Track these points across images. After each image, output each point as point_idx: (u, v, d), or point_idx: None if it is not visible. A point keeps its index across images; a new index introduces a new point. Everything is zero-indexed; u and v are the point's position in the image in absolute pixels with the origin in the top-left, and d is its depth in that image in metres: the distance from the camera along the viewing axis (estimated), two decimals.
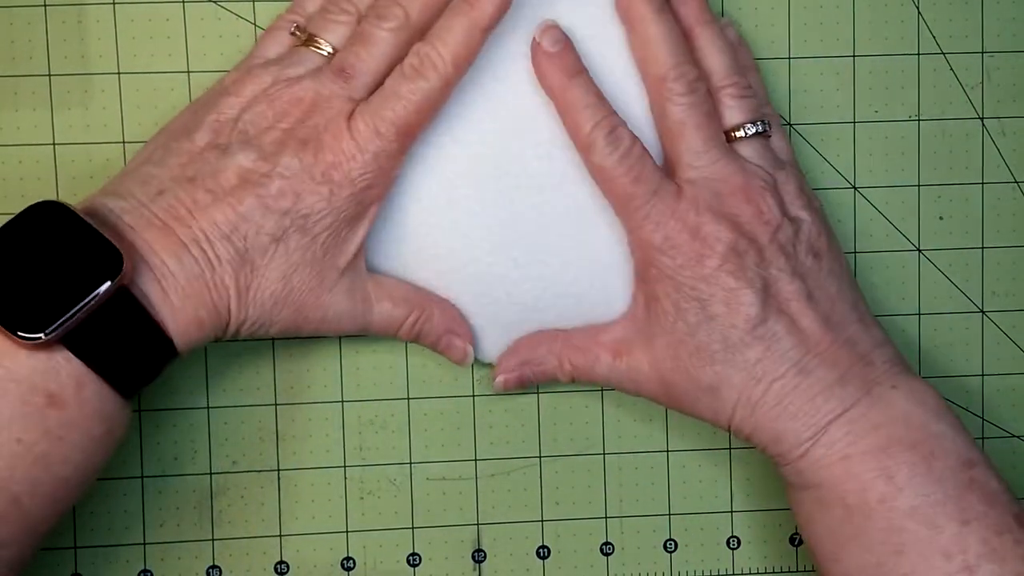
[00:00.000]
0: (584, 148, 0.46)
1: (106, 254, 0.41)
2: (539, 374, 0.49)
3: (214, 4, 0.49)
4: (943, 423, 0.44)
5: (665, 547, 0.52)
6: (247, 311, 0.44)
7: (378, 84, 0.45)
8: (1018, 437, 0.53)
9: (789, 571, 0.52)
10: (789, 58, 0.51)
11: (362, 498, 0.51)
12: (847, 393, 0.44)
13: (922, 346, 0.52)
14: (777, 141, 0.49)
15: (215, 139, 0.44)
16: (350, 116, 0.44)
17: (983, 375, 0.52)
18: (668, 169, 0.47)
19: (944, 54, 0.51)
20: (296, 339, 0.50)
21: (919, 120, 0.51)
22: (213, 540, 0.50)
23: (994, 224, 0.52)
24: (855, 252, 0.52)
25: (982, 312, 0.52)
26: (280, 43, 0.47)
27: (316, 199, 0.44)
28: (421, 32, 0.45)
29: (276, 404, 0.50)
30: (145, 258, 0.42)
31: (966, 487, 0.43)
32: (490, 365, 0.50)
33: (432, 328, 0.48)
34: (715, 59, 0.48)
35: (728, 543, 0.52)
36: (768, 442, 0.46)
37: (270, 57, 0.47)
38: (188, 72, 0.49)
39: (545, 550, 0.52)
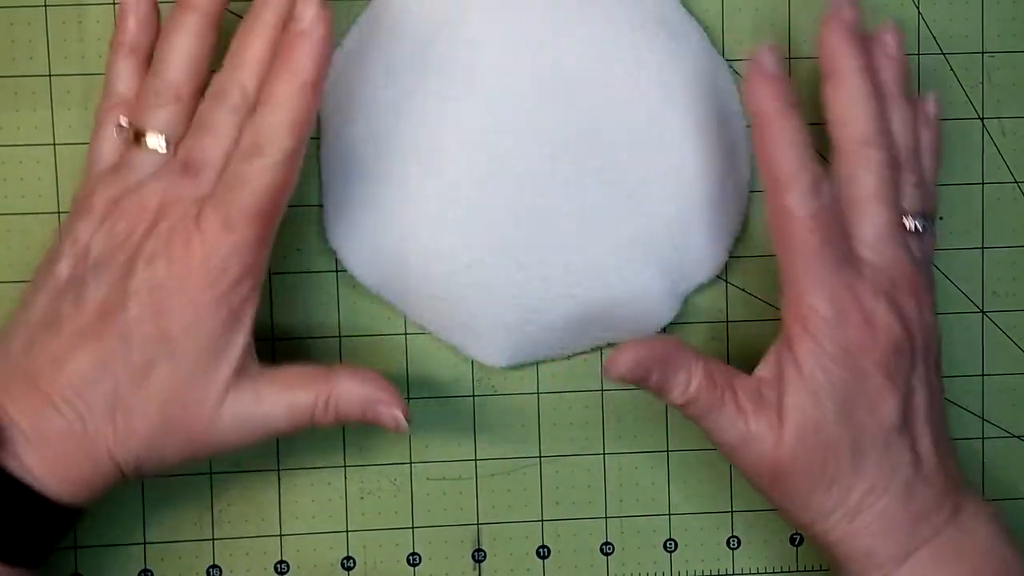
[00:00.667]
0: (781, 186, 0.43)
1: None
2: (662, 382, 0.44)
3: None
4: (1011, 548, 0.45)
5: (665, 547, 0.52)
6: (133, 454, 0.42)
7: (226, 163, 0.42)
8: (1018, 437, 0.53)
9: (789, 571, 0.52)
10: (789, 58, 0.51)
11: (362, 498, 0.51)
12: (939, 518, 0.44)
13: None
14: (928, 237, 0.47)
15: (74, 271, 0.42)
16: (198, 216, 0.41)
17: (983, 375, 0.52)
18: None
19: (944, 54, 0.51)
20: (297, 339, 0.50)
21: None
22: (213, 540, 0.50)
23: (994, 224, 0.52)
24: None
25: (982, 312, 0.52)
26: (110, 142, 0.44)
27: (179, 316, 0.41)
28: (256, 96, 0.42)
29: None
30: (15, 421, 0.40)
31: None
32: (493, 368, 0.50)
33: (350, 402, 0.43)
34: (903, 136, 0.46)
35: (728, 543, 0.52)
36: (855, 556, 0.44)
37: (109, 160, 0.44)
38: None
39: (545, 550, 0.52)
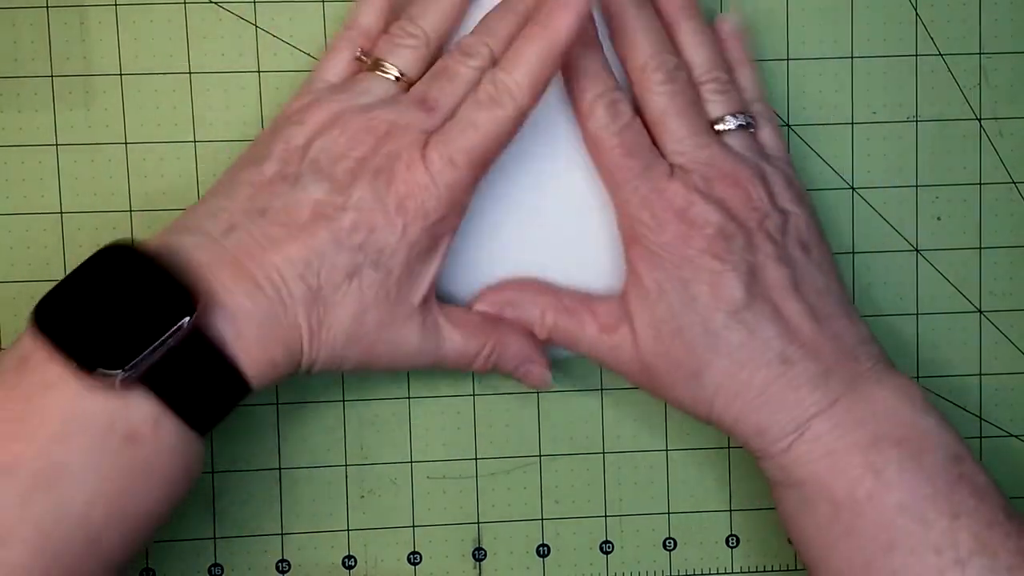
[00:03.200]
0: (584, 115, 0.46)
1: (179, 295, 0.40)
2: (517, 319, 0.47)
3: (215, 5, 0.49)
4: (930, 418, 0.44)
5: (664, 545, 0.52)
6: (319, 351, 0.43)
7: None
8: (1016, 437, 0.53)
9: (788, 570, 0.52)
10: (788, 59, 0.51)
11: (363, 497, 0.51)
12: (832, 387, 0.44)
13: (920, 346, 0.52)
14: (768, 136, 0.49)
15: (284, 168, 0.43)
16: (424, 146, 0.43)
17: (981, 375, 0.52)
18: None
19: (942, 55, 0.51)
20: None
21: (917, 121, 0.51)
22: (215, 539, 0.50)
23: (992, 225, 0.52)
24: (853, 252, 0.52)
25: (980, 312, 0.52)
26: (341, 66, 0.47)
27: (390, 232, 0.43)
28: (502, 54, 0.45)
29: (277, 403, 0.51)
30: (218, 297, 0.41)
31: (955, 482, 0.43)
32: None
33: (508, 358, 0.47)
34: (696, 52, 0.47)
35: (727, 542, 0.52)
36: (750, 434, 0.45)
37: (332, 81, 0.46)
38: (189, 73, 0.49)
39: (545, 548, 0.52)
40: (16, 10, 0.49)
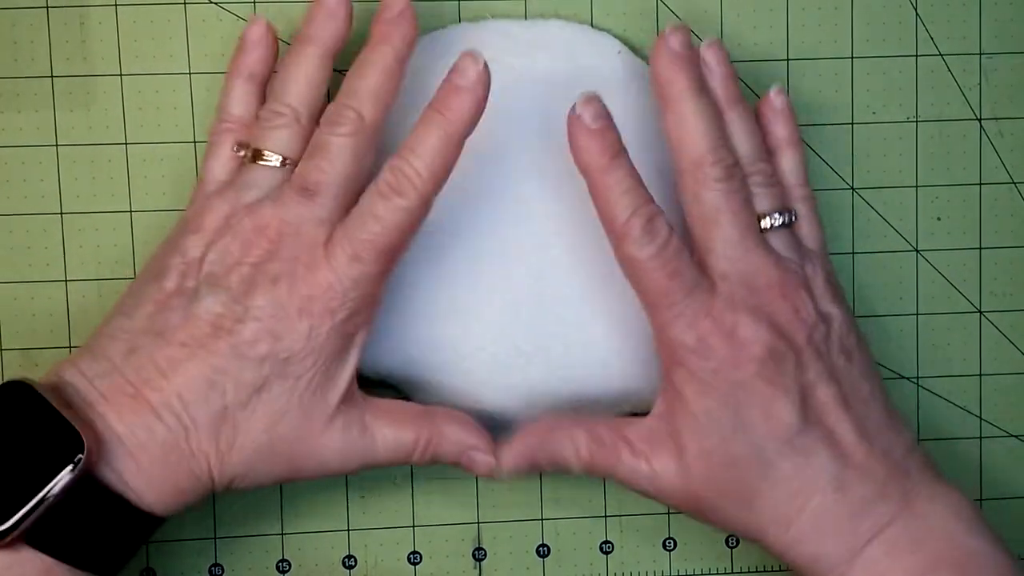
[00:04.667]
0: (618, 237, 0.44)
1: (68, 437, 0.39)
2: (552, 461, 0.45)
3: (215, 5, 0.49)
4: (983, 539, 0.43)
5: (664, 546, 0.52)
6: (231, 471, 0.42)
7: (345, 195, 0.43)
8: (1016, 437, 0.53)
9: (787, 570, 0.52)
10: (787, 60, 0.51)
11: (363, 496, 0.51)
12: (886, 508, 0.42)
13: (920, 346, 0.52)
14: (807, 229, 0.47)
15: (182, 283, 0.42)
16: (326, 242, 0.42)
17: (981, 375, 0.52)
18: (698, 256, 0.45)
19: (942, 55, 0.51)
20: None
21: (917, 121, 0.51)
22: (215, 538, 0.51)
23: (992, 225, 0.52)
24: (853, 253, 0.52)
25: (980, 312, 0.52)
26: (224, 159, 0.46)
27: (295, 338, 0.41)
28: (378, 131, 0.44)
29: None
30: (115, 430, 0.40)
31: None
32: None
33: (447, 448, 0.45)
34: (742, 142, 0.46)
35: (727, 541, 0.52)
36: (804, 563, 0.43)
37: (220, 179, 0.45)
38: (189, 73, 0.49)
39: (545, 548, 0.52)
40: (16, 10, 0.49)
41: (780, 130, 0.48)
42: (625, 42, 0.50)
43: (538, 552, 0.52)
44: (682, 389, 0.44)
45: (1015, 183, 0.52)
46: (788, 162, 0.48)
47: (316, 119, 0.45)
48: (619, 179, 0.44)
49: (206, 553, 0.50)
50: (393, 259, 0.43)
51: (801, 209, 0.47)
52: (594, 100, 0.44)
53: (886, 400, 0.45)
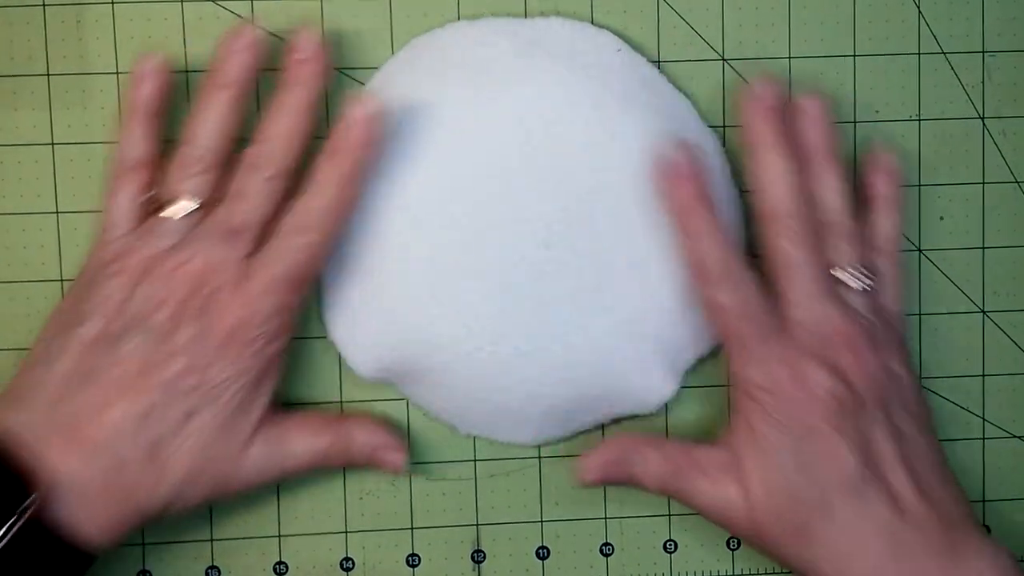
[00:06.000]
0: (705, 280, 0.46)
1: (12, 486, 0.41)
2: (626, 477, 0.48)
3: (212, 4, 0.49)
4: None
5: (665, 548, 0.52)
6: (168, 497, 0.44)
7: (262, 233, 0.45)
8: (1018, 437, 0.53)
9: (788, 572, 0.52)
10: (789, 58, 0.51)
11: (361, 498, 0.51)
12: (937, 563, 0.44)
13: (923, 346, 0.52)
14: (888, 288, 0.48)
15: (107, 327, 0.44)
16: (244, 278, 0.45)
17: (983, 375, 0.52)
18: (775, 300, 0.47)
19: (945, 54, 0.51)
20: (295, 339, 0.50)
21: (920, 120, 0.51)
22: (212, 540, 0.50)
23: (995, 224, 0.52)
24: None
25: (983, 312, 0.52)
26: (127, 205, 0.46)
27: (221, 368, 0.44)
28: (292, 172, 0.46)
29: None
30: (56, 474, 0.42)
31: None
32: (509, 444, 0.51)
33: (357, 449, 0.47)
34: (831, 196, 0.48)
35: (728, 544, 0.52)
36: None
37: (125, 225, 0.46)
38: (187, 72, 0.49)
39: (545, 550, 0.52)
40: (12, 8, 0.48)
41: (882, 188, 0.49)
42: (625, 40, 0.50)
43: (537, 554, 0.52)
44: (753, 424, 0.46)
45: (1018, 182, 0.52)
46: (883, 222, 0.49)
47: (228, 156, 0.46)
48: (709, 223, 0.46)
49: (203, 555, 0.50)
50: (303, 289, 0.46)
51: (884, 269, 0.48)
52: (687, 148, 0.47)
53: (943, 460, 0.47)
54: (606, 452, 0.48)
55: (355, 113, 0.45)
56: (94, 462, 0.43)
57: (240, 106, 0.47)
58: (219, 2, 0.49)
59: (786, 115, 0.48)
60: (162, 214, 0.45)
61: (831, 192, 0.48)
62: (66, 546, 0.42)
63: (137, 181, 0.46)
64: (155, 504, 0.44)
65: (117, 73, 0.49)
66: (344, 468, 0.50)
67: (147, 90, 0.47)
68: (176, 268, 0.44)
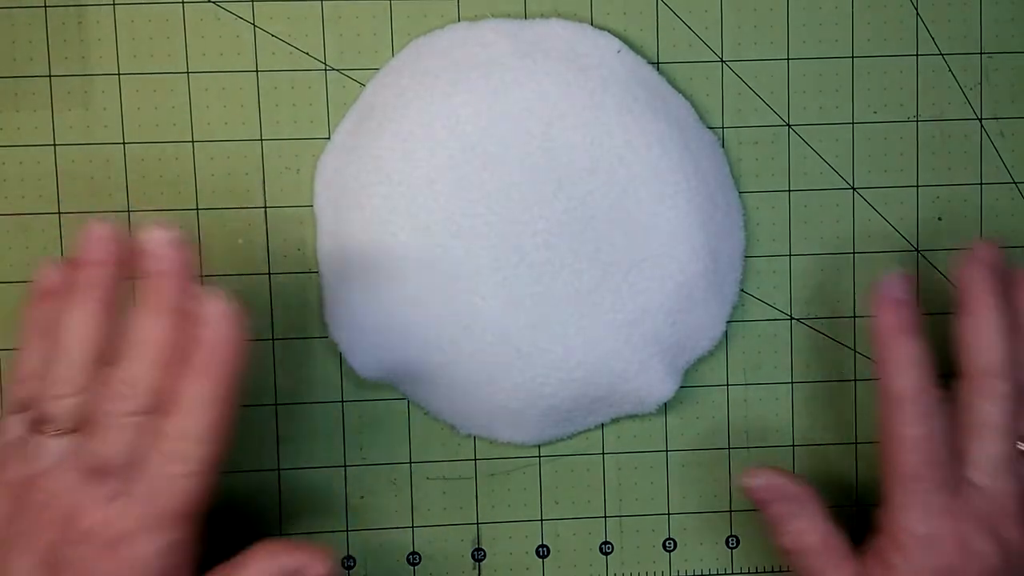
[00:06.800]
0: (894, 405, 0.45)
1: None
2: (780, 516, 0.47)
3: (213, 4, 0.49)
4: None
5: (664, 546, 0.52)
6: None
7: (131, 466, 0.41)
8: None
9: (788, 570, 0.52)
10: (788, 59, 0.51)
11: (362, 497, 0.51)
12: None
13: None
14: None
15: None
16: (116, 520, 0.40)
17: None
18: (958, 454, 0.45)
19: (943, 55, 0.51)
20: (295, 339, 0.50)
21: (918, 121, 0.51)
22: (211, 541, 0.50)
23: (993, 225, 0.52)
24: (853, 252, 0.52)
25: None
26: (22, 417, 0.42)
27: None
28: (163, 394, 0.41)
29: (276, 404, 0.50)
30: None
31: None
32: (509, 444, 0.51)
33: None
34: None
35: (727, 542, 0.52)
36: None
37: (13, 432, 0.42)
38: (188, 73, 0.49)
39: (545, 549, 0.52)
40: (14, 9, 0.48)
41: None
42: (625, 41, 0.50)
43: (538, 552, 0.52)
44: (895, 570, 0.44)
45: (1016, 183, 0.52)
46: None
47: (101, 362, 0.42)
48: (914, 353, 0.45)
49: (205, 555, 0.50)
50: (194, 521, 0.41)
51: None
52: (903, 276, 0.46)
53: None
54: (782, 481, 0.47)
55: (214, 314, 0.41)
56: None
57: (110, 307, 0.42)
58: (220, 3, 0.49)
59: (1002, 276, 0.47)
60: (34, 434, 0.41)
61: None
62: None
63: (24, 393, 0.42)
64: None
65: (118, 74, 0.49)
66: (344, 467, 0.51)
67: (43, 308, 0.43)
68: (47, 500, 0.40)
